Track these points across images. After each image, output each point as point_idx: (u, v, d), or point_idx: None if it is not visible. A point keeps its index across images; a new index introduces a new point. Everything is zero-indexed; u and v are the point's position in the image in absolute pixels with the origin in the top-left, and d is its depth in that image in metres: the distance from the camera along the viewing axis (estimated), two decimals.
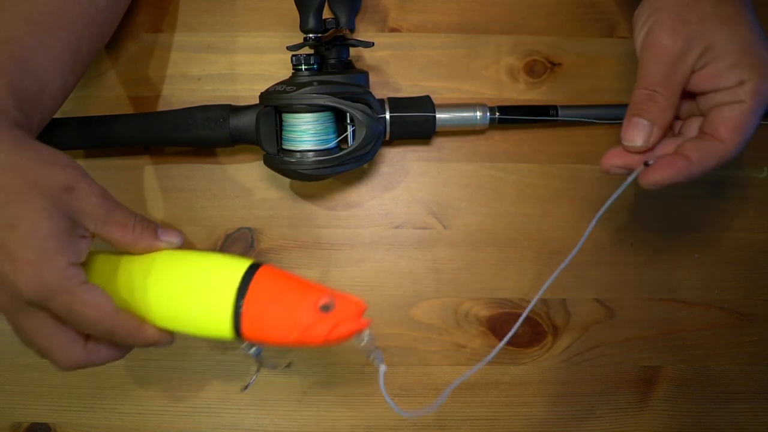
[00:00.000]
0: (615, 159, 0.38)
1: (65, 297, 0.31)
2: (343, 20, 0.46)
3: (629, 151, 0.38)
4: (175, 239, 0.36)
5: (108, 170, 0.49)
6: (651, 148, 0.38)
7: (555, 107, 0.48)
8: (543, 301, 0.50)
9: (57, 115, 0.45)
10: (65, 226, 0.31)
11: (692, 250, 0.50)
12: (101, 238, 0.34)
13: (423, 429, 0.49)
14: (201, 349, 0.48)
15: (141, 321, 0.34)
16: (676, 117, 0.39)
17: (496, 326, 0.49)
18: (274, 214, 0.49)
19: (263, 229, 0.49)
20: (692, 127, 0.39)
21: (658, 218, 0.50)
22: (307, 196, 0.49)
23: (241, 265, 0.34)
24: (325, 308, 0.33)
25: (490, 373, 0.49)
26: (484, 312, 0.49)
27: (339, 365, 0.49)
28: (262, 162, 0.47)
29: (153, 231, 0.36)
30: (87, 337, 0.34)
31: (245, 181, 0.49)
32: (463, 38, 0.50)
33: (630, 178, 0.37)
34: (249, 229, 0.49)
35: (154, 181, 0.49)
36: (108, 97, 0.49)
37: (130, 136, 0.44)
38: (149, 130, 0.44)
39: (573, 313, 0.49)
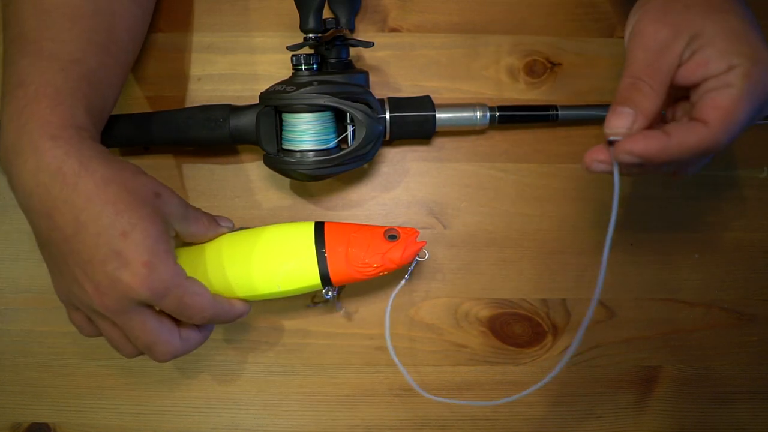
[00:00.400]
0: (597, 154, 0.36)
1: (177, 291, 0.34)
2: (343, 20, 0.46)
3: (612, 142, 0.35)
4: (230, 223, 0.42)
5: None
6: None
7: (555, 107, 0.48)
8: (543, 301, 0.50)
9: None
10: (165, 228, 0.35)
11: (692, 250, 0.50)
12: (181, 234, 0.38)
13: (423, 429, 0.49)
14: (201, 349, 0.48)
15: (229, 299, 0.39)
16: (673, 119, 0.38)
17: (496, 326, 0.49)
18: (274, 214, 0.49)
19: None
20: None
21: (658, 218, 0.50)
22: (307, 196, 0.49)
23: (307, 224, 0.43)
24: (392, 237, 0.43)
25: (490, 373, 0.49)
26: (484, 312, 0.49)
27: (339, 365, 0.49)
28: (262, 162, 0.47)
29: (214, 220, 0.41)
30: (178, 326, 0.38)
31: (245, 181, 0.49)
32: (463, 38, 0.50)
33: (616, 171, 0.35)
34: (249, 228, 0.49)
35: None
36: None
37: (130, 136, 0.44)
38: (149, 130, 0.44)
39: (573, 313, 0.50)
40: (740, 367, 0.50)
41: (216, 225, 0.41)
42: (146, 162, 0.49)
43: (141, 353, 0.37)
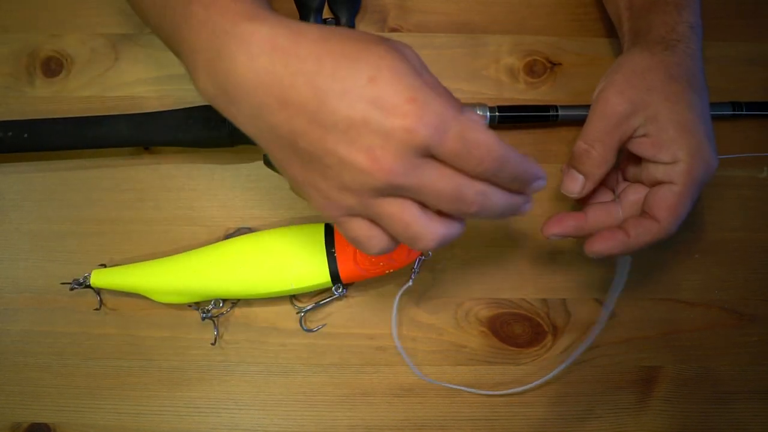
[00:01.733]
0: (554, 228, 0.42)
1: (458, 126, 0.27)
2: (343, 20, 0.46)
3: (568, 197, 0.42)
4: (487, 111, 0.36)
5: (108, 170, 0.49)
6: (585, 198, 0.43)
7: (555, 107, 0.48)
8: (543, 301, 0.50)
9: (56, 113, 0.46)
10: (410, 63, 0.29)
11: (692, 250, 0.50)
12: None
13: (423, 429, 0.49)
14: (201, 349, 0.48)
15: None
16: (624, 178, 0.44)
17: (496, 326, 0.49)
18: (274, 214, 0.49)
19: (263, 229, 0.49)
20: (630, 193, 0.42)
21: None
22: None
23: (317, 226, 0.45)
24: None
25: (490, 373, 0.49)
26: (484, 312, 0.49)
27: (339, 365, 0.49)
28: (262, 162, 0.47)
29: (460, 103, 0.30)
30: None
31: (245, 181, 0.49)
32: (463, 38, 0.50)
33: (626, 269, 0.44)
34: (249, 229, 0.49)
35: (154, 181, 0.49)
36: (108, 97, 0.49)
37: (131, 136, 0.44)
38: (149, 130, 0.44)
39: (573, 313, 0.49)
40: (740, 367, 0.50)
41: (456, 105, 0.30)
42: (146, 162, 0.49)
43: (449, 232, 0.30)
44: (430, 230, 0.30)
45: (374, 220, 0.30)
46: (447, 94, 0.29)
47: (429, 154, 0.28)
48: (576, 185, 0.41)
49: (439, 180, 0.28)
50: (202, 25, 0.29)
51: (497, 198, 0.30)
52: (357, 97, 0.27)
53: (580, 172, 0.41)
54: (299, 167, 0.30)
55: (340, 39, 0.28)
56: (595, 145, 0.40)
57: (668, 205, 0.39)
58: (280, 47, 0.28)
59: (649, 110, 0.39)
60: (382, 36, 0.29)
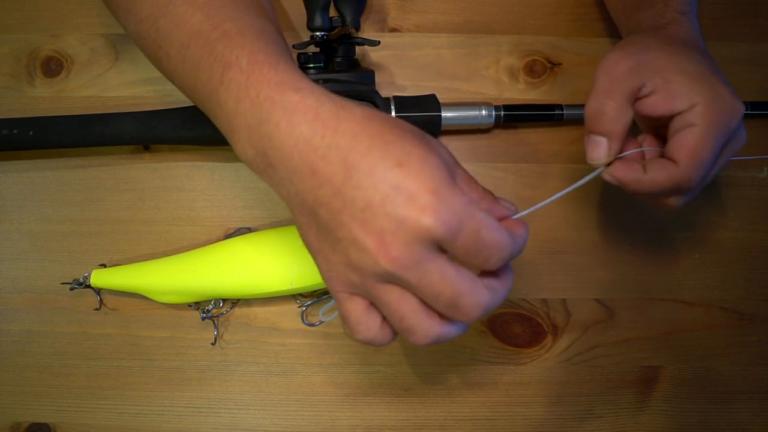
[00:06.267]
0: (620, 172, 0.38)
1: (473, 224, 0.27)
2: (348, 18, 0.46)
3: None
4: (512, 206, 0.33)
5: (108, 169, 0.49)
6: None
7: (560, 106, 0.48)
8: (543, 301, 0.50)
9: (56, 113, 0.46)
10: (441, 158, 0.29)
11: (692, 250, 0.50)
12: None
13: (423, 429, 0.49)
14: (201, 349, 0.48)
15: (509, 226, 0.31)
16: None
17: (496, 326, 0.49)
18: (274, 214, 0.49)
19: (263, 229, 0.49)
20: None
21: (658, 218, 0.50)
22: None
23: None
24: None
25: (490, 373, 0.49)
26: None
27: (339, 365, 0.49)
28: None
29: (492, 194, 0.32)
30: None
31: (245, 181, 0.49)
32: (463, 38, 0.50)
33: (587, 178, 0.38)
34: (249, 228, 0.49)
35: (154, 181, 0.49)
36: (108, 96, 0.49)
37: (136, 134, 0.44)
38: (155, 128, 0.44)
39: (573, 313, 0.49)
40: (740, 367, 0.50)
41: (493, 199, 0.32)
42: (146, 162, 0.49)
43: (442, 333, 0.30)
44: (425, 327, 0.30)
45: (373, 303, 0.31)
46: (472, 190, 0.30)
47: (439, 248, 0.28)
48: (600, 150, 0.37)
49: (439, 282, 0.28)
50: (244, 92, 0.30)
51: (491, 307, 0.30)
52: (381, 179, 0.27)
53: (599, 133, 0.37)
54: (315, 235, 0.31)
55: (380, 122, 0.29)
56: (606, 100, 0.37)
57: (687, 145, 0.35)
58: (322, 119, 0.29)
59: (653, 64, 0.37)
60: (422, 132, 0.30)
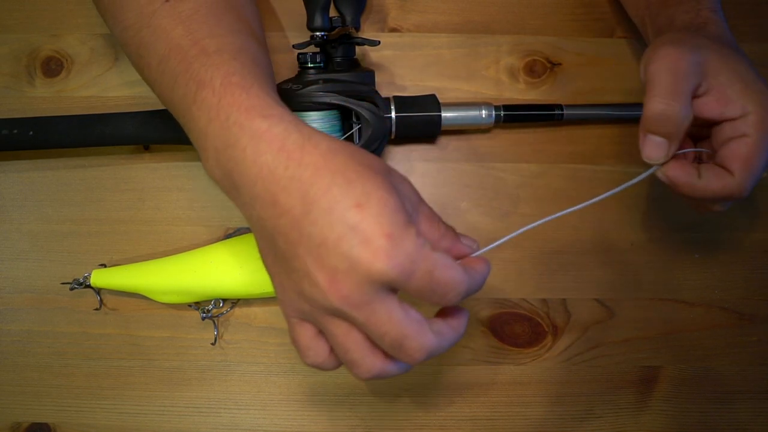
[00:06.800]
0: (674, 171, 0.37)
1: (426, 265, 0.28)
2: (348, 18, 0.46)
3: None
4: (474, 244, 0.34)
5: (108, 169, 0.49)
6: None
7: (560, 106, 0.48)
8: (543, 301, 0.50)
9: (56, 113, 0.46)
10: (401, 199, 0.29)
11: (692, 250, 0.50)
12: None
13: (423, 429, 0.49)
14: (201, 349, 0.48)
15: (470, 262, 0.32)
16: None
17: (496, 326, 0.49)
18: None
19: None
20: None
21: (658, 218, 0.50)
22: None
23: None
24: None
25: (490, 373, 0.49)
26: (484, 312, 0.49)
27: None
28: None
29: (454, 232, 0.33)
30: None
31: None
32: (463, 38, 0.50)
33: (640, 177, 0.37)
34: (248, 228, 0.49)
35: (154, 181, 0.49)
36: (108, 97, 0.49)
37: (136, 134, 0.44)
38: (155, 128, 0.44)
39: (573, 313, 0.49)
40: (740, 367, 0.50)
41: (455, 237, 0.33)
42: (146, 162, 0.49)
43: (385, 370, 0.31)
44: (367, 363, 0.30)
45: (322, 331, 0.31)
46: (433, 228, 0.31)
47: (391, 289, 0.29)
48: (660, 151, 0.36)
49: (386, 323, 0.28)
50: (215, 114, 0.31)
51: (437, 352, 0.30)
52: (338, 218, 0.27)
53: (659, 135, 0.36)
54: (272, 260, 0.31)
55: (344, 158, 0.29)
56: (672, 102, 0.35)
57: (741, 156, 0.35)
58: (287, 150, 0.29)
59: (708, 65, 0.36)
60: (388, 167, 0.31)
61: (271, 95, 0.32)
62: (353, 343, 0.30)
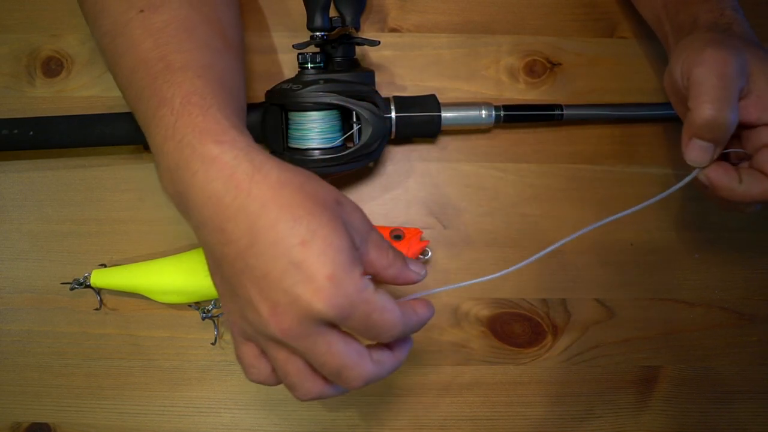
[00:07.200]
0: (715, 173, 0.37)
1: (365, 307, 0.29)
2: (348, 18, 0.46)
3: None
4: (422, 271, 0.34)
5: (108, 169, 0.49)
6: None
7: (560, 106, 0.48)
8: (543, 301, 0.50)
9: (57, 113, 0.46)
10: (349, 237, 0.30)
11: (692, 250, 0.50)
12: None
13: (423, 429, 0.49)
14: (201, 349, 0.48)
15: (413, 306, 0.32)
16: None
17: (496, 326, 0.49)
18: None
19: None
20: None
21: (658, 218, 0.50)
22: None
23: None
24: (397, 237, 0.45)
25: (490, 373, 0.49)
26: (484, 312, 0.49)
27: None
28: None
29: (403, 259, 0.34)
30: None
31: None
32: (463, 38, 0.50)
33: (685, 180, 0.38)
34: None
35: (154, 181, 0.49)
36: (109, 97, 0.49)
37: (137, 134, 0.44)
38: None
39: (573, 313, 0.49)
40: (740, 367, 0.50)
41: (403, 264, 0.33)
42: (146, 162, 0.49)
43: (323, 393, 0.32)
44: (307, 387, 0.31)
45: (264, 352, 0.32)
46: (382, 257, 0.32)
47: (331, 323, 0.29)
48: (706, 155, 0.36)
49: (325, 354, 0.29)
50: (170, 133, 0.31)
51: (376, 379, 0.31)
52: (283, 254, 0.28)
53: (709, 141, 0.36)
54: (219, 280, 0.32)
55: (292, 192, 0.29)
56: (725, 108, 0.35)
57: None
58: (236, 179, 0.29)
59: (749, 68, 0.35)
60: (338, 198, 0.31)
61: (230, 118, 0.32)
62: (293, 368, 0.31)
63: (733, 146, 0.38)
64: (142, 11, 0.34)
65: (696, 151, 0.36)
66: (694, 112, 0.35)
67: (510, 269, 0.37)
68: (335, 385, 0.32)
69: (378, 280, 0.33)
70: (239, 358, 0.33)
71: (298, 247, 0.28)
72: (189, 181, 0.30)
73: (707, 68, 0.35)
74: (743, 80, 0.35)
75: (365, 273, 0.31)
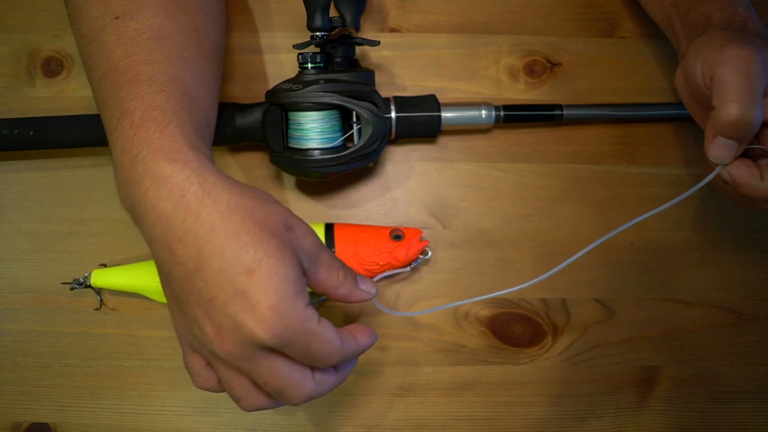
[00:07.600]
0: (738, 170, 0.37)
1: (306, 338, 0.30)
2: (348, 19, 0.46)
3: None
4: (372, 289, 0.35)
5: (108, 169, 0.49)
6: None
7: (560, 106, 0.48)
8: (543, 301, 0.50)
9: (57, 113, 0.46)
10: (295, 265, 0.30)
11: (692, 250, 0.50)
12: (307, 278, 0.32)
13: (423, 429, 0.49)
14: None
15: (354, 335, 0.33)
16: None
17: (496, 326, 0.49)
18: None
19: None
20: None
21: (658, 218, 0.50)
22: (311, 194, 0.49)
23: (318, 225, 0.45)
24: (397, 237, 0.45)
25: (490, 373, 0.49)
26: (484, 312, 0.49)
27: None
28: (267, 160, 0.47)
29: (354, 278, 0.34)
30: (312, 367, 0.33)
31: (250, 180, 0.49)
32: (463, 38, 0.50)
33: (708, 178, 0.37)
34: None
35: None
36: None
37: None
38: None
39: (573, 313, 0.50)
40: (740, 367, 0.50)
41: (354, 284, 0.34)
42: None
43: (266, 406, 0.33)
44: (250, 400, 0.32)
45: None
46: (332, 276, 0.33)
47: (273, 349, 0.30)
48: (730, 152, 0.36)
49: (268, 375, 0.30)
50: (128, 146, 0.31)
51: (316, 397, 0.32)
52: (228, 281, 0.28)
53: (734, 139, 0.36)
54: (168, 293, 0.33)
55: (242, 218, 0.29)
56: (752, 107, 0.34)
57: None
58: (186, 202, 0.29)
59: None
60: (288, 222, 0.31)
61: (188, 135, 0.31)
62: (237, 383, 0.32)
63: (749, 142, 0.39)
64: (117, 18, 0.34)
65: (720, 149, 0.36)
66: (720, 111, 0.35)
67: (544, 275, 0.39)
68: (278, 400, 0.33)
69: (330, 299, 0.33)
70: (187, 367, 0.34)
71: (243, 276, 0.28)
72: (140, 197, 0.30)
73: (731, 67, 0.35)
74: (766, 78, 0.35)
75: (320, 290, 0.33)
